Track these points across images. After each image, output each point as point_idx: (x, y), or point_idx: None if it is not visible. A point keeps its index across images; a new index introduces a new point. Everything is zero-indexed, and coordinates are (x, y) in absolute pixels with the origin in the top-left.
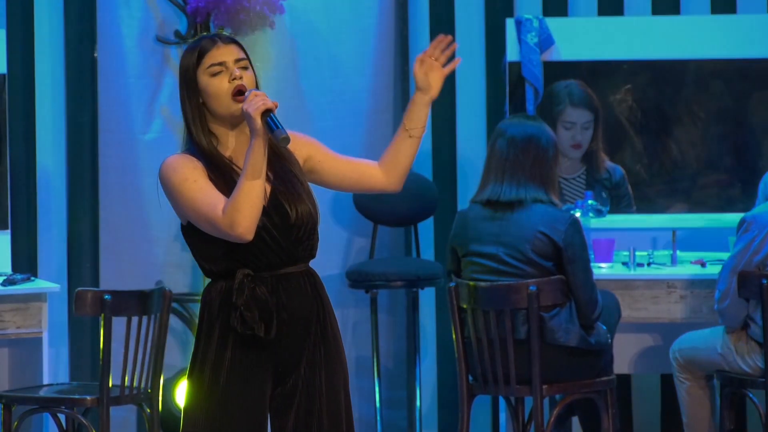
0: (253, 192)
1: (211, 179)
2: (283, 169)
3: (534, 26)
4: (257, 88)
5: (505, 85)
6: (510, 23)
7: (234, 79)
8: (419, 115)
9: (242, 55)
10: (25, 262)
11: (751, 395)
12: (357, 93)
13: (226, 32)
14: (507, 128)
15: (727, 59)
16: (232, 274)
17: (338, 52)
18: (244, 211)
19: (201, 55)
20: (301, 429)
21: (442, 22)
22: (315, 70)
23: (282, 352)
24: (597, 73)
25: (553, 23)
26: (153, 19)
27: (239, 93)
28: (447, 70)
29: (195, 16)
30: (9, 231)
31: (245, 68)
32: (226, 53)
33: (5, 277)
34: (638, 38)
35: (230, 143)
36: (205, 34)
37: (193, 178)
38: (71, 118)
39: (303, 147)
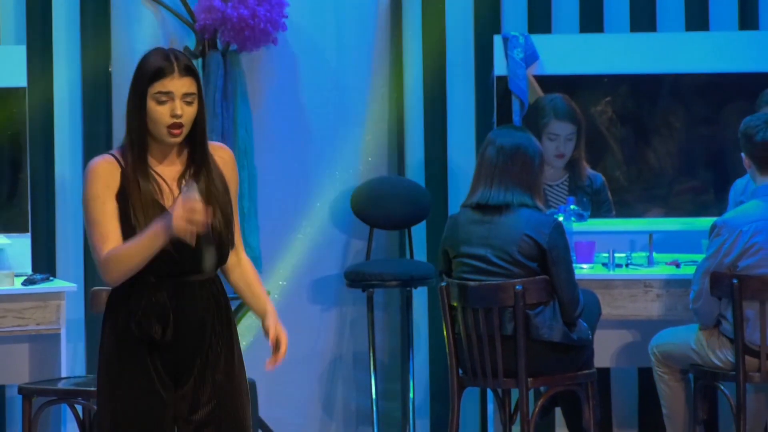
0: (138, 259)
1: (125, 191)
2: (205, 188)
3: (520, 42)
4: (203, 118)
5: (493, 97)
6: (498, 40)
7: (174, 116)
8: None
9: (192, 90)
10: (44, 263)
11: (722, 387)
12: (356, 105)
13: (232, 48)
14: (496, 137)
15: (701, 73)
16: (134, 279)
17: (337, 66)
18: (121, 268)
19: (154, 77)
20: (210, 427)
21: (434, 38)
22: (315, 83)
23: (179, 353)
24: (579, 87)
25: (538, 40)
26: (164, 36)
27: (175, 127)
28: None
29: (203, 33)
30: (29, 234)
31: (190, 103)
32: (177, 85)
33: (26, 277)
34: (617, 54)
35: (156, 155)
36: (169, 49)
37: (102, 200)
38: (87, 128)
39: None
